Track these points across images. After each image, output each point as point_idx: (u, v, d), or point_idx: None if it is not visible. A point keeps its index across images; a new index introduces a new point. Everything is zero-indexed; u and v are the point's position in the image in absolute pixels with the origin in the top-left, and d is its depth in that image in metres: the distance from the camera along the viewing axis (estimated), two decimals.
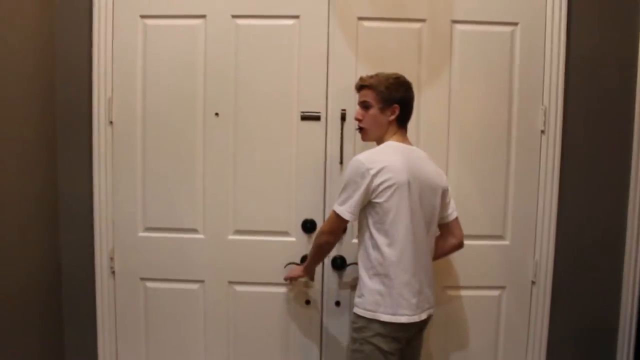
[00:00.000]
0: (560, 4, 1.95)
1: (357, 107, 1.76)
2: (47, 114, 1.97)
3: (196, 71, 2.01)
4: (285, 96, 2.00)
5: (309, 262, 1.86)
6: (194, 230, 2.05)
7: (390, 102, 1.69)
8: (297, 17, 1.97)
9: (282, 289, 2.05)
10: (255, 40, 1.99)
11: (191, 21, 2.00)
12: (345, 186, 1.64)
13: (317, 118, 1.97)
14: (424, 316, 1.68)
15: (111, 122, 2.03)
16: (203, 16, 1.99)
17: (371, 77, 1.73)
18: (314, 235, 1.93)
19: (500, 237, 2.03)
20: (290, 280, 1.95)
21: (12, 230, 1.79)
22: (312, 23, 1.97)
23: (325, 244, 1.74)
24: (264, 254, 2.04)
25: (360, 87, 1.74)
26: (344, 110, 1.96)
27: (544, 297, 2.02)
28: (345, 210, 1.63)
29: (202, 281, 2.06)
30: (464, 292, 2.05)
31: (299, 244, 2.02)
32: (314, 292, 2.04)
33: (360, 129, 1.76)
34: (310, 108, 1.99)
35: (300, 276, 1.91)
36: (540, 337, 2.03)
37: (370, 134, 1.74)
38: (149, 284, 2.08)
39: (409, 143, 1.74)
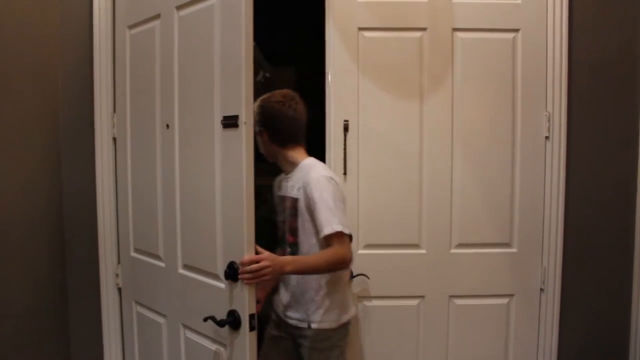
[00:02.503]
0: (561, 9, 1.94)
1: None
2: (50, 131, 1.97)
3: (155, 74, 1.77)
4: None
5: (312, 269, 1.60)
6: (159, 257, 1.81)
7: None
8: None
9: (213, 347, 1.58)
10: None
11: (152, 23, 1.78)
12: (335, 204, 1.57)
13: (235, 124, 1.43)
14: None
15: (114, 138, 2.02)
16: (157, 16, 1.74)
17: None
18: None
19: (507, 245, 2.02)
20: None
21: (17, 247, 1.78)
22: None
23: (346, 267, 1.66)
24: (202, 297, 1.62)
25: None
26: (346, 121, 1.95)
27: (553, 304, 2.00)
28: (346, 228, 1.58)
29: (165, 316, 1.81)
30: (472, 301, 2.03)
31: (227, 294, 1.50)
32: None
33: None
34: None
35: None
36: (551, 345, 2.01)
37: (269, 159, 1.81)
38: (139, 309, 1.97)
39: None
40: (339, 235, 1.55)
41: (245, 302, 1.43)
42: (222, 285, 1.50)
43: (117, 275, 2.05)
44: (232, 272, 1.43)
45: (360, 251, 2.00)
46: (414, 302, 2.02)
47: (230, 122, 1.44)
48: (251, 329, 1.43)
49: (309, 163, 1.72)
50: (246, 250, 1.42)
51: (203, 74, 1.55)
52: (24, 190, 1.82)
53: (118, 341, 2.07)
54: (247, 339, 1.43)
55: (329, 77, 1.98)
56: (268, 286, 1.80)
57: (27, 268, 1.83)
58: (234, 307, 1.46)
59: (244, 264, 1.40)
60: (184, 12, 1.63)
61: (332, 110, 1.97)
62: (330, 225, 1.55)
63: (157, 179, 1.79)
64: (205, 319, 1.48)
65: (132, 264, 1.98)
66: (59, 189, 2.01)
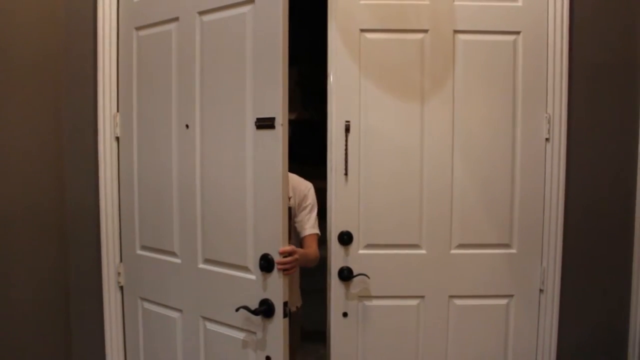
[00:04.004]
0: (562, 11, 1.95)
1: None
2: (53, 130, 1.98)
3: (171, 76, 1.84)
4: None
5: (309, 263, 1.87)
6: (173, 254, 1.89)
7: None
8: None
9: (241, 336, 1.69)
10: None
11: (167, 26, 1.85)
12: (315, 209, 1.96)
13: (271, 126, 1.55)
14: None
15: (117, 138, 2.04)
16: (176, 19, 1.82)
17: None
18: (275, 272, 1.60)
19: (507, 246, 2.03)
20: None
21: (20, 246, 1.80)
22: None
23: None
24: (228, 290, 1.72)
25: None
26: (347, 121, 1.97)
27: (552, 305, 2.01)
28: None
29: (180, 310, 1.88)
30: (472, 301, 2.04)
31: (258, 285, 1.62)
32: (275, 347, 1.60)
33: None
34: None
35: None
36: (550, 346, 2.02)
37: None
38: (146, 305, 2.02)
39: None
40: (317, 237, 1.95)
41: (280, 290, 1.56)
42: (252, 276, 1.62)
43: (119, 273, 2.07)
44: (266, 264, 1.57)
45: (361, 251, 2.01)
46: (414, 302, 2.04)
47: (265, 123, 1.55)
48: (284, 315, 1.57)
49: (292, 176, 1.92)
50: (282, 244, 1.56)
51: (231, 77, 1.65)
52: (26, 190, 1.84)
53: (120, 339, 2.09)
54: (281, 324, 1.56)
55: (331, 78, 1.99)
56: None
57: (29, 268, 1.84)
58: (266, 296, 1.58)
59: (284, 253, 1.55)
60: (207, 17, 1.72)
61: (333, 110, 1.99)
62: (316, 228, 1.95)
63: (173, 178, 1.85)
64: (238, 309, 1.59)
65: (138, 261, 2.01)
66: (62, 190, 2.03)
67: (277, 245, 1.55)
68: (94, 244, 2.05)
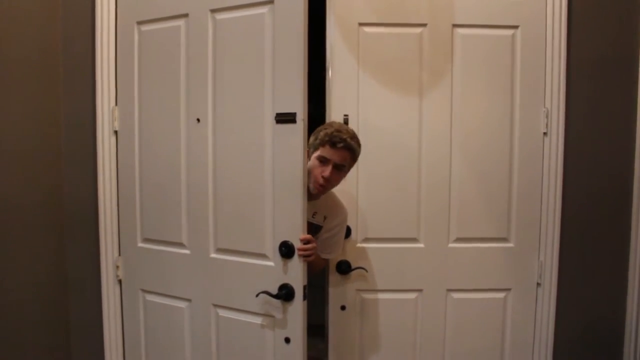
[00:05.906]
0: (560, 6, 1.96)
1: (329, 166, 1.68)
2: (52, 124, 1.98)
3: (179, 71, 1.86)
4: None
5: (318, 266, 1.89)
6: (181, 245, 1.90)
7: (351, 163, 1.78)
8: None
9: (258, 320, 1.75)
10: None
11: (175, 22, 1.86)
12: (342, 234, 1.90)
13: (292, 120, 1.63)
14: None
15: (115, 132, 2.04)
16: (185, 15, 1.83)
17: (352, 137, 1.70)
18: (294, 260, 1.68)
19: (505, 240, 2.04)
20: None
21: (18, 240, 1.80)
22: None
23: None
24: (243, 277, 1.77)
25: (344, 147, 1.68)
26: (346, 115, 1.97)
27: (549, 299, 2.02)
28: None
29: (189, 300, 1.90)
30: (469, 295, 2.05)
31: (277, 271, 1.69)
32: (294, 328, 1.68)
33: (322, 187, 1.71)
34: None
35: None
36: (547, 339, 2.03)
37: (326, 192, 1.79)
38: (148, 297, 2.02)
39: None
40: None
41: (300, 275, 1.65)
42: (270, 263, 1.70)
43: (117, 267, 2.07)
44: (287, 250, 1.65)
45: (359, 245, 2.02)
46: (412, 295, 2.05)
47: (286, 118, 1.63)
48: (304, 298, 1.65)
49: (332, 194, 1.88)
50: (302, 232, 1.64)
51: (247, 75, 1.71)
52: (24, 184, 1.84)
53: (119, 332, 2.09)
54: (301, 307, 1.65)
55: (329, 72, 1.99)
56: None
57: (26, 262, 1.84)
58: (286, 281, 1.67)
59: (305, 240, 1.62)
60: (221, 15, 1.76)
61: (332, 105, 1.99)
62: (336, 253, 1.91)
63: (181, 171, 1.88)
64: (258, 294, 1.67)
65: (139, 254, 2.03)
66: (59, 184, 2.02)
67: (298, 234, 1.63)
68: (92, 238, 2.05)
